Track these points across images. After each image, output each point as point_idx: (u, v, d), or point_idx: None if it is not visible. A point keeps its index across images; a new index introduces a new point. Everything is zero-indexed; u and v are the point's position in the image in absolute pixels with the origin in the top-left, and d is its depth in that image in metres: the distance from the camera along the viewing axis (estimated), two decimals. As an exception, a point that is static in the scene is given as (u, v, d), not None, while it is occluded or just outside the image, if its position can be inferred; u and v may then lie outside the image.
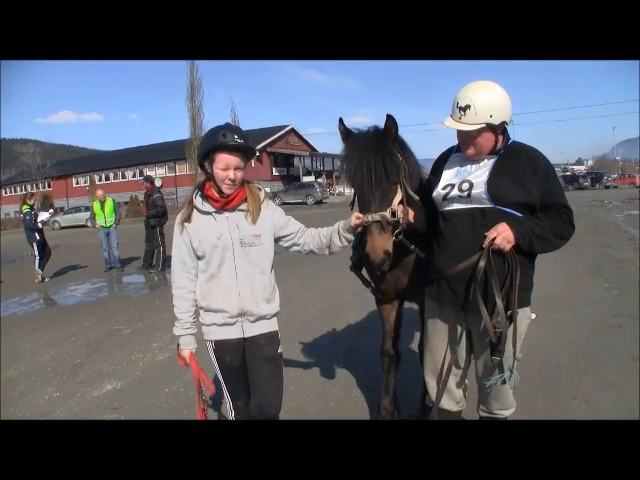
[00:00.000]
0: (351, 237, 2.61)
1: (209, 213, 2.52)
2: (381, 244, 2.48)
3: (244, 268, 2.53)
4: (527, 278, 2.42)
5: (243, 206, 2.55)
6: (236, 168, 2.43)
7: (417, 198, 2.70)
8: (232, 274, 2.52)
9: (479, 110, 2.29)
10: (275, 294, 2.68)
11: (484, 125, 2.30)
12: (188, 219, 2.53)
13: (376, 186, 2.52)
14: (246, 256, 2.53)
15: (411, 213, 2.66)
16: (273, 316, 2.66)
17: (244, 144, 2.41)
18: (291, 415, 3.73)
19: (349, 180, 2.67)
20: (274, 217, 2.63)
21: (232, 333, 2.57)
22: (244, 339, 2.59)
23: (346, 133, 2.76)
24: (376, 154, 2.55)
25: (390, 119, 2.61)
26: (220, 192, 2.49)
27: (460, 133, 2.41)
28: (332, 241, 2.61)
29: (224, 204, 2.51)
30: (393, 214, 2.54)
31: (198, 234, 2.50)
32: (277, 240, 2.68)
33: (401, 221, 2.59)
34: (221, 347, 2.59)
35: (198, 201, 2.54)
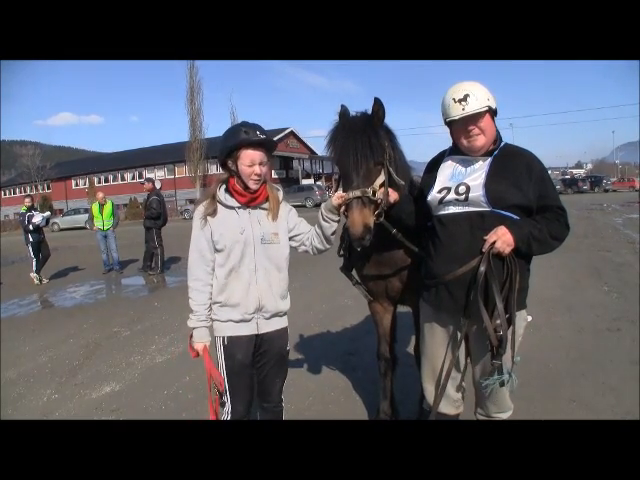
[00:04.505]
0: (334, 216, 2.63)
1: (232, 208, 2.57)
2: (360, 218, 2.52)
3: (263, 264, 2.58)
4: (524, 280, 2.42)
5: (265, 204, 2.62)
6: (260, 163, 2.49)
7: (402, 183, 2.74)
8: (252, 269, 2.56)
9: (478, 96, 2.33)
10: (288, 291, 2.73)
11: (486, 108, 2.34)
12: (213, 213, 2.56)
13: (360, 164, 2.58)
14: (265, 253, 2.58)
15: (394, 195, 2.70)
16: (285, 313, 2.72)
17: (267, 139, 2.48)
18: (289, 418, 3.72)
19: (334, 158, 2.72)
20: (289, 217, 2.70)
21: (247, 330, 2.59)
22: (256, 335, 2.62)
23: (343, 114, 2.78)
24: (362, 133, 2.61)
25: (377, 102, 2.68)
26: (246, 187, 2.53)
27: (466, 124, 2.38)
28: (321, 226, 2.65)
29: (250, 200, 2.57)
30: (373, 194, 2.57)
31: (220, 228, 2.54)
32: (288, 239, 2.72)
33: (380, 202, 2.62)
34: (233, 343, 2.59)
35: (222, 195, 2.59)
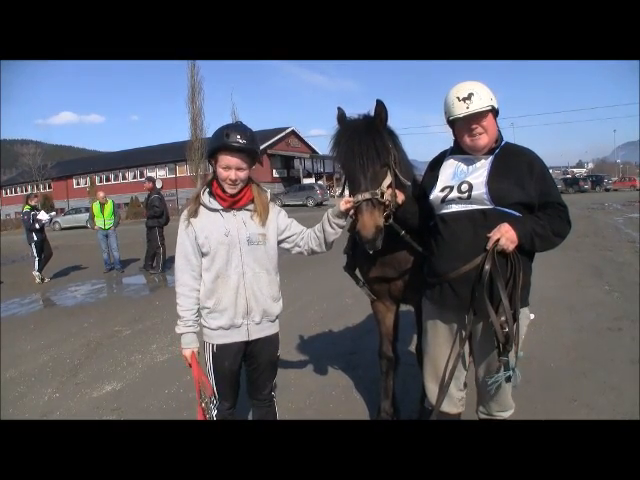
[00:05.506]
0: (341, 222, 2.61)
1: (216, 210, 2.54)
2: (372, 221, 2.50)
3: (250, 266, 2.55)
4: (527, 278, 2.43)
5: (250, 206, 2.58)
6: (238, 168, 2.45)
7: (408, 183, 2.74)
8: (239, 272, 2.53)
9: (482, 95, 2.34)
10: (280, 293, 2.71)
11: (490, 107, 2.35)
12: (194, 214, 2.54)
13: (367, 166, 2.57)
14: (253, 254, 2.55)
15: (400, 196, 2.69)
16: (276, 318, 2.69)
17: (246, 145, 2.41)
18: (290, 417, 3.73)
19: (340, 162, 2.72)
20: (278, 219, 2.66)
21: (237, 336, 2.57)
22: (246, 342, 2.60)
23: (342, 118, 2.78)
24: (366, 136, 2.60)
25: (380, 105, 2.67)
26: (225, 191, 2.51)
27: (469, 123, 2.39)
28: (325, 231, 2.62)
29: (232, 203, 2.54)
30: (382, 195, 2.56)
31: (204, 230, 2.51)
32: (280, 242, 2.69)
33: (389, 204, 2.61)
34: (223, 351, 2.58)
35: (206, 198, 2.56)
